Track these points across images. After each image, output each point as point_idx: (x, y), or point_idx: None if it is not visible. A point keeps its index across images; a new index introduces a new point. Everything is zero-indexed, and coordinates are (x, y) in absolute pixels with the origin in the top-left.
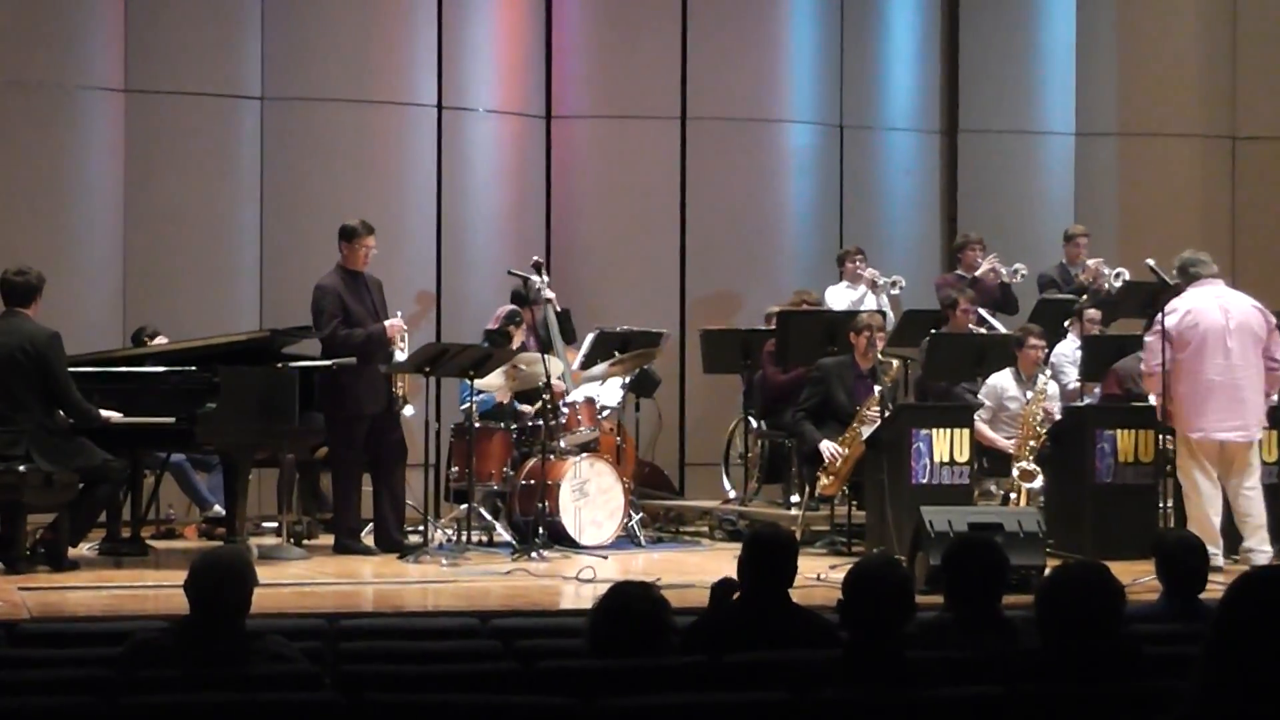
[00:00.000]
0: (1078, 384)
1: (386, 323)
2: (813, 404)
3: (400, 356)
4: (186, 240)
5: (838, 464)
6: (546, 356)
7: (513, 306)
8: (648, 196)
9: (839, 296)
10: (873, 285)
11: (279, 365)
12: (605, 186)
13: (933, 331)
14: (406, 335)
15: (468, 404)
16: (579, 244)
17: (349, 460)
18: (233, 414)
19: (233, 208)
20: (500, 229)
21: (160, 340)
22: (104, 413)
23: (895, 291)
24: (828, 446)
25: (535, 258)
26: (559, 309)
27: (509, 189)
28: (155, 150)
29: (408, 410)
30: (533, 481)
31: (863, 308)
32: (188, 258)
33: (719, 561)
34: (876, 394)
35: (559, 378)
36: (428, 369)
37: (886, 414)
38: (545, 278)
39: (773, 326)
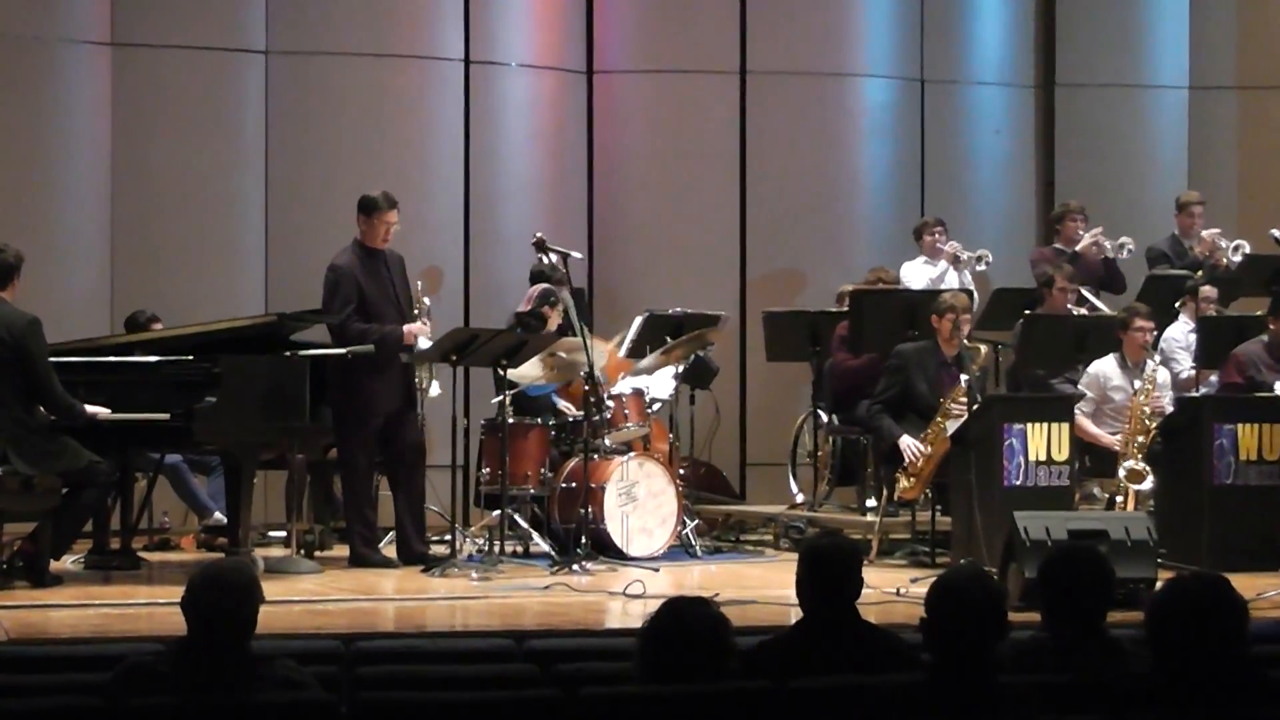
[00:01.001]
0: (1192, 371)
1: (406, 327)
2: (890, 395)
3: (424, 343)
4: (182, 213)
5: (919, 463)
6: (589, 336)
7: (547, 285)
8: (702, 162)
9: (916, 273)
10: (954, 260)
11: (287, 354)
12: (654, 151)
13: (1027, 313)
14: (431, 321)
15: (502, 396)
16: (624, 216)
17: (361, 462)
18: (235, 409)
19: (234, 177)
20: (535, 199)
21: (157, 327)
22: (90, 408)
23: (980, 268)
24: (908, 443)
25: (538, 234)
26: (572, 286)
27: (545, 154)
28: (146, 112)
29: (433, 389)
30: (574, 484)
31: (942, 286)
32: (183, 233)
33: (784, 574)
34: (963, 384)
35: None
36: (454, 357)
37: (974, 406)
38: (575, 255)
39: (845, 308)
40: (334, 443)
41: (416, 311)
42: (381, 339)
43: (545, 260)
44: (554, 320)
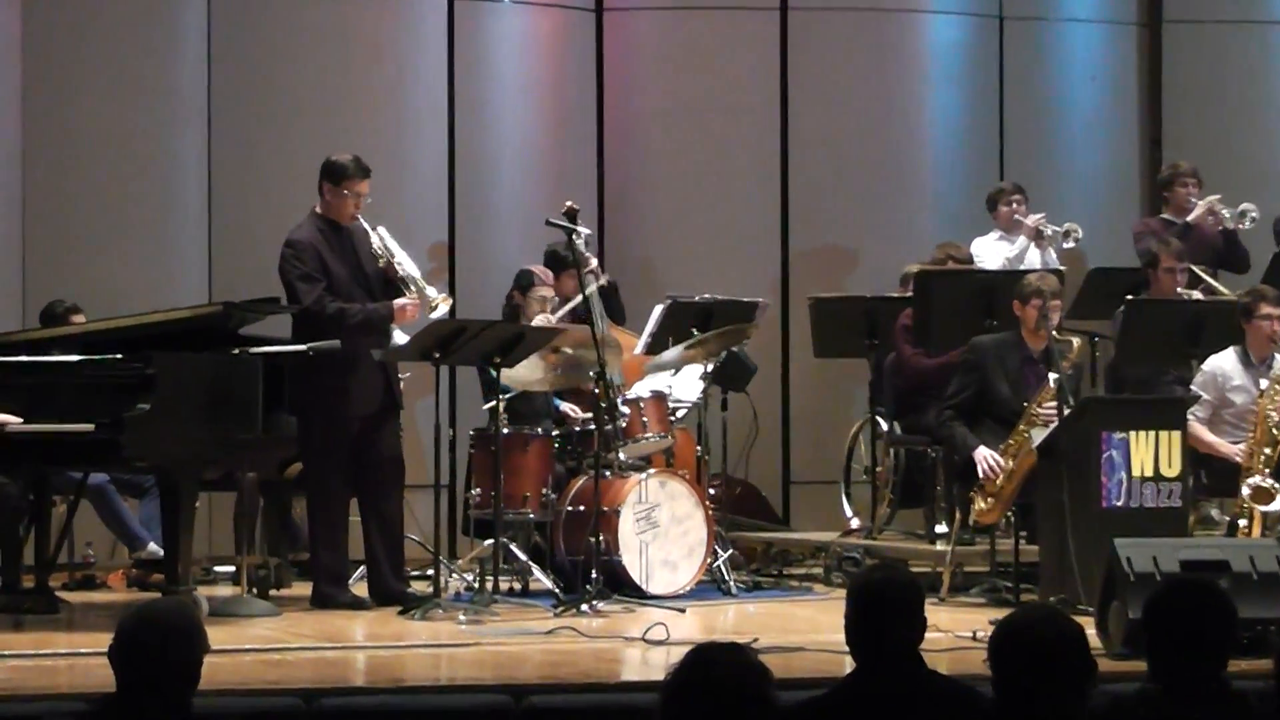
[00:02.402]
0: None
1: (397, 302)
2: (965, 398)
3: (399, 337)
4: (108, 181)
5: (999, 480)
6: (603, 333)
7: (525, 268)
8: (735, 118)
9: (990, 250)
10: (1036, 236)
11: (235, 351)
12: (677, 105)
13: (1129, 298)
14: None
15: (494, 402)
16: (641, 182)
17: (331, 480)
18: (173, 417)
19: (171, 136)
20: (534, 162)
21: (78, 319)
22: None
23: (1068, 245)
24: (985, 456)
25: (569, 203)
26: (604, 280)
27: (546, 107)
28: (63, 58)
29: (442, 308)
30: (583, 508)
31: (1022, 266)
32: (110, 205)
33: (836, 615)
34: (1051, 384)
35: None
36: (437, 355)
37: (1066, 411)
38: (585, 232)
39: (908, 292)
40: (295, 457)
41: (413, 291)
42: (366, 319)
43: (577, 237)
44: (534, 309)
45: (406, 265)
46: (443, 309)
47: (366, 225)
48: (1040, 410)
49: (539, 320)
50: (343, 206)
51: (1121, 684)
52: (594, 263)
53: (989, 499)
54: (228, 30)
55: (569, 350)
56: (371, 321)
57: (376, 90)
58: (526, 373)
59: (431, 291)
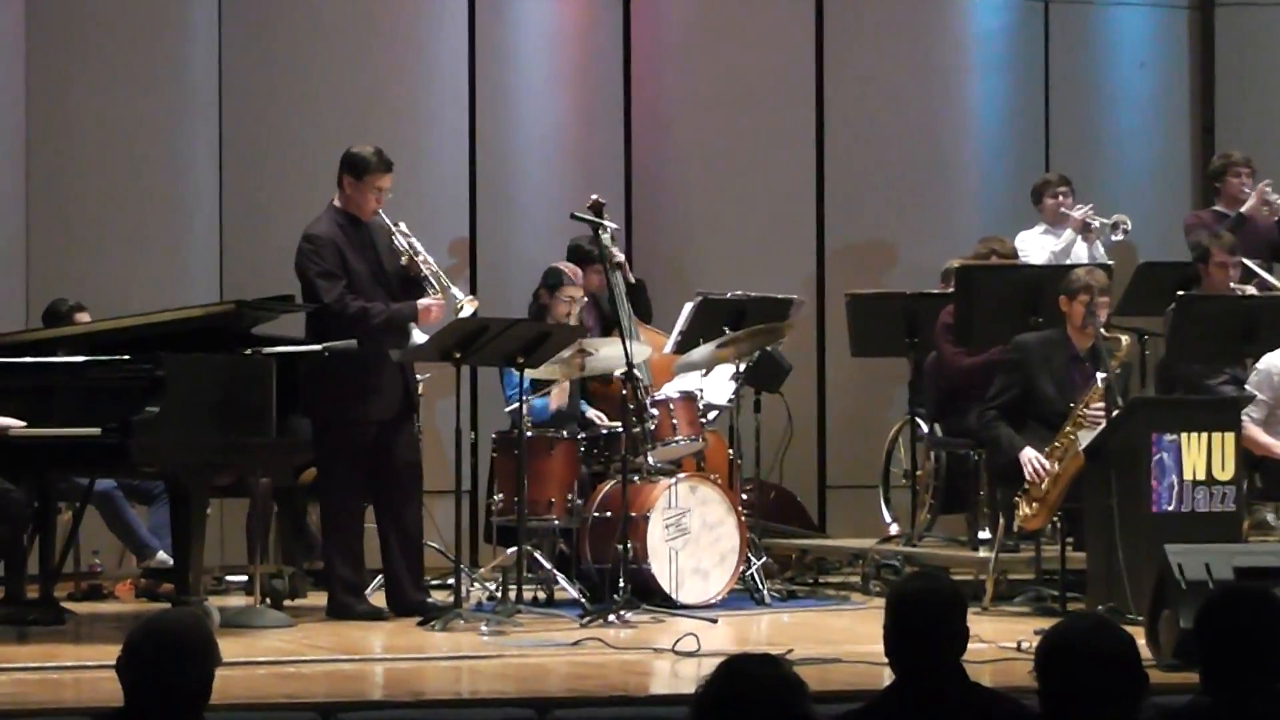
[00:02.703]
0: None
1: (421, 303)
2: (1009, 398)
3: (418, 337)
4: (114, 174)
5: (1045, 484)
6: (632, 331)
7: (551, 265)
8: (768, 106)
9: (1034, 245)
10: (1083, 229)
11: (248, 351)
12: (708, 93)
13: (1180, 294)
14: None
15: (517, 403)
16: (670, 174)
17: (347, 486)
18: (183, 421)
19: (179, 125)
20: (558, 153)
21: (83, 318)
22: None
23: (1116, 238)
24: (1030, 457)
25: (594, 196)
26: (632, 278)
27: (571, 95)
28: (69, 50)
29: (467, 309)
30: (610, 514)
31: (1068, 261)
32: (115, 199)
33: (874, 625)
34: (1099, 383)
35: (636, 368)
36: (458, 355)
37: (1114, 412)
38: (612, 226)
39: (950, 288)
40: (310, 462)
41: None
42: (389, 319)
43: (604, 232)
44: (560, 307)
45: (432, 263)
46: (468, 310)
47: (388, 221)
48: (1088, 411)
49: (561, 316)
50: (364, 201)
51: (1172, 696)
52: (620, 257)
53: (1034, 504)
54: (239, 16)
55: (592, 352)
56: (394, 322)
57: (395, 78)
58: (550, 374)
59: (457, 292)
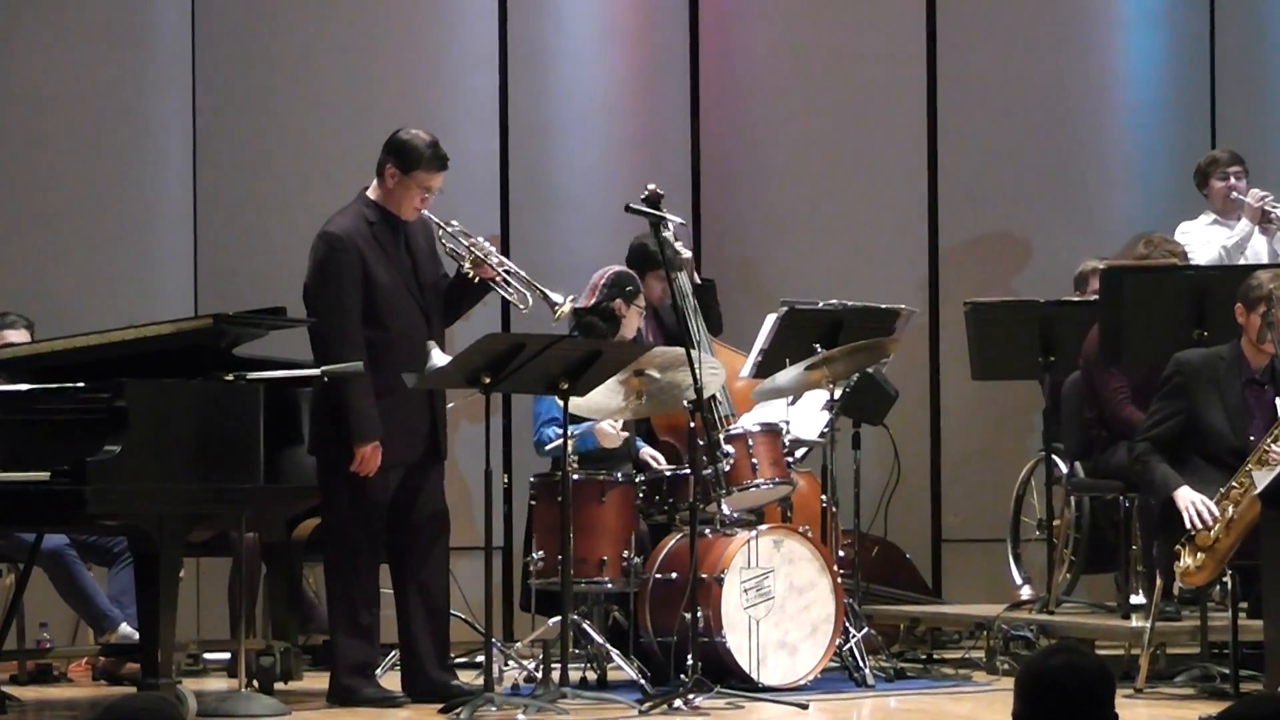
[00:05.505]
0: None
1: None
2: (1167, 429)
3: (439, 358)
4: (60, 152)
5: (1212, 532)
6: (707, 346)
7: (621, 269)
8: (867, 80)
9: (1200, 238)
10: (1261, 218)
11: (229, 376)
12: (793, 53)
13: None
14: None
15: (557, 440)
16: (747, 163)
17: (359, 542)
18: (149, 463)
19: (145, 98)
20: (609, 141)
21: (17, 337)
22: None
23: None
24: (1190, 500)
25: (651, 185)
26: (698, 278)
27: (625, 58)
28: (19, 17)
29: (565, 305)
30: (675, 575)
31: (1244, 262)
32: (66, 191)
33: (1003, 711)
34: None
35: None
36: (488, 379)
37: None
38: (676, 221)
39: (1092, 294)
40: (307, 512)
41: None
42: (362, 410)
43: (665, 228)
44: (633, 321)
45: (507, 262)
46: (567, 310)
47: (435, 220)
48: (1271, 447)
49: (632, 330)
50: (406, 199)
51: None
52: (687, 253)
53: (1198, 554)
54: None
55: (656, 375)
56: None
57: (407, 37)
58: (603, 401)
59: (557, 296)
